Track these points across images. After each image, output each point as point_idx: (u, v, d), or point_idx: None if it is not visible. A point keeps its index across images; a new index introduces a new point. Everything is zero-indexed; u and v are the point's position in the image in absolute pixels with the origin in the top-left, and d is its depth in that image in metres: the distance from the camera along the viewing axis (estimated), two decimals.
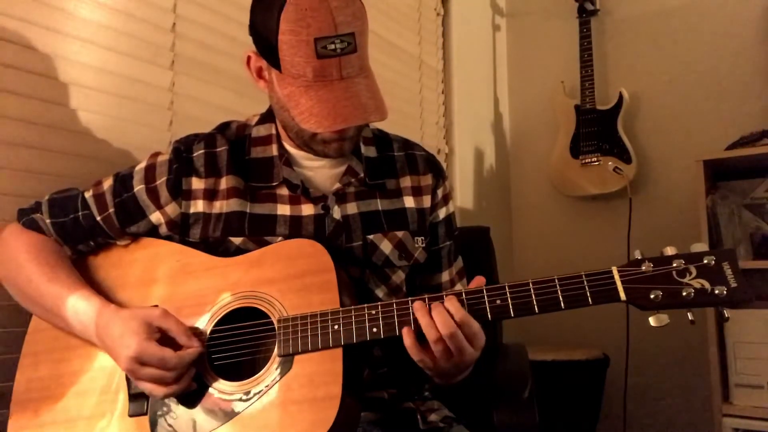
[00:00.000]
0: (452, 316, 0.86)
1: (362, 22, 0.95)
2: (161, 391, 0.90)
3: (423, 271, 1.15)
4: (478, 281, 0.92)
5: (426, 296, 0.90)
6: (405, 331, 0.88)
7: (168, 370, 0.89)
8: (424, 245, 1.12)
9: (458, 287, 1.17)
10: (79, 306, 0.96)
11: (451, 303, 0.87)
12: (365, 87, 0.96)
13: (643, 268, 0.84)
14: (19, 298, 1.03)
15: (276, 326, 0.93)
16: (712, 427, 1.93)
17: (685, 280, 0.82)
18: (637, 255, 0.86)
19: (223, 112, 1.45)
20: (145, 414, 0.93)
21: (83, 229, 1.05)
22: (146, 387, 0.91)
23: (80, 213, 1.05)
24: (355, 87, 0.94)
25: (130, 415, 0.94)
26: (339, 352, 0.89)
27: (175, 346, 0.92)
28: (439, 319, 0.86)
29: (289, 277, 0.95)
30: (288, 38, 0.91)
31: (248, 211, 1.04)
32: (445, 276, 1.17)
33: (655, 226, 2.47)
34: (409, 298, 0.90)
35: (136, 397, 0.95)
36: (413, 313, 0.88)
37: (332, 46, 0.91)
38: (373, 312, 0.90)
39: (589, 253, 2.65)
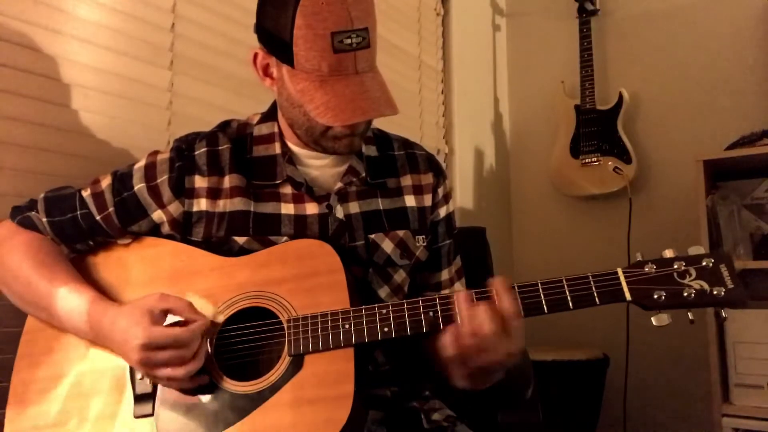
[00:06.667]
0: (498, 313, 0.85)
1: (373, 19, 0.96)
2: (181, 371, 0.88)
3: (423, 269, 1.15)
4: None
5: (473, 291, 0.90)
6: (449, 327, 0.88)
7: (182, 347, 0.88)
8: (425, 244, 1.12)
9: (457, 287, 1.18)
10: (84, 308, 0.95)
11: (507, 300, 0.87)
12: (377, 82, 0.97)
13: (646, 269, 0.86)
14: (17, 301, 1.01)
15: (285, 326, 0.92)
16: (712, 427, 1.93)
17: (686, 282, 0.85)
18: (639, 257, 0.88)
19: (221, 112, 1.45)
20: (151, 415, 0.92)
21: (82, 228, 1.03)
22: (165, 373, 0.88)
23: (78, 212, 1.03)
24: (369, 82, 0.95)
25: (136, 417, 0.93)
26: (351, 351, 0.89)
27: (182, 324, 0.90)
28: (487, 312, 0.85)
29: (297, 278, 0.95)
30: (304, 33, 0.91)
31: (252, 210, 1.03)
32: (445, 275, 1.17)
33: (655, 226, 2.47)
34: (437, 294, 0.93)
35: (142, 398, 0.93)
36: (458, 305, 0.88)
37: (348, 41, 0.91)
38: (384, 312, 0.90)
39: (589, 253, 2.65)
